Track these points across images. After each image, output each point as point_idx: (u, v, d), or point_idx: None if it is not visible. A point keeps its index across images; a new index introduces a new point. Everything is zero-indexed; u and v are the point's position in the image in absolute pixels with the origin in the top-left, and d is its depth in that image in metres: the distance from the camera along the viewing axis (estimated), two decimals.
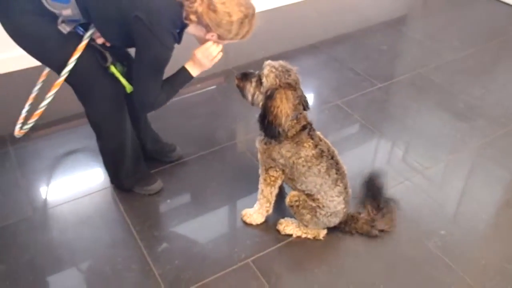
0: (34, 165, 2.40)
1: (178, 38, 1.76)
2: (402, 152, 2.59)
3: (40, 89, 2.23)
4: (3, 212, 2.15)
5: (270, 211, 2.11)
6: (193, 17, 1.69)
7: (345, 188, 1.98)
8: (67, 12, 1.67)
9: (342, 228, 2.08)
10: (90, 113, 2.00)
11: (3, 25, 1.76)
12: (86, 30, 1.78)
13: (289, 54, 3.34)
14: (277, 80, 1.81)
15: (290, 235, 2.08)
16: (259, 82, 1.86)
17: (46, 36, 1.74)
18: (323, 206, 1.96)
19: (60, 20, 1.69)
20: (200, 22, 1.71)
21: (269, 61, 1.87)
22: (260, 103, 1.88)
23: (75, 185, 2.32)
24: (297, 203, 2.00)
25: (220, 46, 1.84)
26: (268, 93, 1.82)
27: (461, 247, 2.07)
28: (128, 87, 1.91)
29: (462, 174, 2.46)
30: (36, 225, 2.11)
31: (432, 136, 2.69)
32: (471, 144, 2.63)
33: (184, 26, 1.76)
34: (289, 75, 1.82)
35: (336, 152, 1.97)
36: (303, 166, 1.91)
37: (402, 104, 2.97)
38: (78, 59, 1.77)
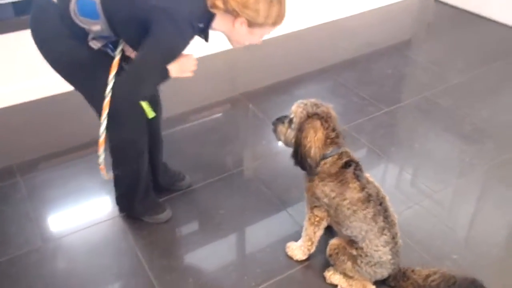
0: (44, 195, 2.42)
1: (197, 30, 1.71)
2: (411, 176, 2.58)
3: None
4: (14, 243, 2.15)
5: (312, 250, 2.03)
6: (219, 2, 1.64)
7: (393, 238, 1.82)
8: (96, 27, 1.69)
9: (389, 282, 1.93)
10: (112, 137, 1.98)
11: (40, 50, 1.81)
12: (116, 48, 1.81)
13: (296, 80, 3.37)
14: (305, 112, 1.81)
15: (303, 261, 2.06)
16: (291, 121, 1.86)
17: (80, 63, 1.77)
18: (366, 256, 1.82)
19: (90, 36, 1.72)
20: (226, 9, 1.65)
21: (299, 100, 1.87)
22: (292, 140, 1.85)
23: (84, 214, 2.32)
24: (336, 251, 1.89)
25: (194, 61, 1.83)
26: (298, 127, 1.81)
27: (475, 272, 2.03)
28: (150, 113, 1.92)
29: (472, 197, 2.45)
30: (46, 256, 2.10)
31: (440, 159, 2.68)
32: (480, 166, 2.62)
33: (210, 19, 1.71)
34: (318, 107, 1.81)
35: (387, 198, 1.86)
36: (348, 209, 1.80)
37: (409, 128, 2.97)
38: (101, 81, 1.78)
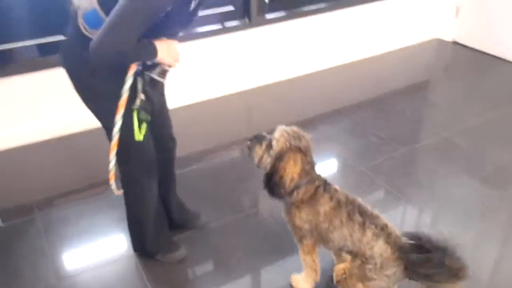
0: (59, 232, 2.42)
1: None
2: (430, 219, 2.53)
3: None
4: (27, 280, 2.15)
5: (318, 279, 2.02)
6: None
7: (382, 229, 1.78)
8: None
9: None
10: (121, 173, 2.00)
11: (71, 81, 1.82)
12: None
13: (312, 120, 3.38)
14: (287, 143, 1.81)
15: None
16: (269, 146, 1.86)
17: (99, 86, 1.77)
18: (367, 259, 1.77)
19: None
20: None
21: (282, 126, 1.88)
22: (268, 166, 1.87)
23: (99, 252, 2.32)
24: (344, 276, 1.85)
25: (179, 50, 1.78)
26: (278, 155, 1.82)
27: None
28: (137, 136, 1.84)
29: (495, 241, 2.37)
30: None
31: (460, 202, 2.62)
32: (502, 210, 2.55)
33: None
34: (300, 141, 1.83)
35: (359, 200, 1.86)
36: (325, 222, 1.84)
37: (427, 169, 2.93)
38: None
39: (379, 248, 1.76)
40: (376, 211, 1.86)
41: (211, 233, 2.41)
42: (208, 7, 3.29)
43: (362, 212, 1.81)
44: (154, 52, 1.69)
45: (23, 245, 2.34)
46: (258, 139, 1.92)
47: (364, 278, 1.79)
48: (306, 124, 3.34)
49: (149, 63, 1.77)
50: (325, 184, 1.90)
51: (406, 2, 4.38)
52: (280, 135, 1.84)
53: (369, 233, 1.77)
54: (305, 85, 3.89)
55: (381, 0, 4.21)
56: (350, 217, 1.81)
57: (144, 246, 2.22)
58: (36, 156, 3.02)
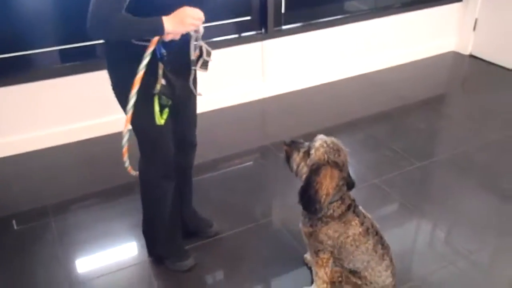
0: (73, 237, 2.44)
1: None
2: (445, 234, 2.49)
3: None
4: (41, 285, 2.16)
5: None
6: None
7: (391, 260, 1.92)
8: None
9: None
10: (140, 174, 2.03)
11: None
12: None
13: (326, 131, 3.31)
14: (326, 156, 1.78)
15: None
16: (307, 154, 1.83)
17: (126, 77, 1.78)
18: (371, 283, 1.89)
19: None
20: None
21: (322, 135, 1.86)
22: (304, 176, 1.84)
23: (112, 258, 2.33)
24: (339, 279, 1.93)
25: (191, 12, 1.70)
26: (314, 167, 1.79)
27: None
28: (158, 120, 1.82)
29: None
30: None
31: (476, 218, 2.58)
32: None
33: None
34: (339, 155, 1.80)
35: (378, 227, 1.93)
36: (351, 245, 1.86)
37: (443, 184, 2.90)
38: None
39: (386, 277, 1.90)
40: (387, 242, 1.93)
41: (223, 243, 2.40)
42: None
43: (382, 244, 1.91)
44: (159, 26, 1.63)
45: (37, 249, 2.36)
46: (295, 145, 1.89)
47: None
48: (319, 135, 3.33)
49: (167, 40, 1.72)
50: (354, 204, 1.90)
51: (423, 15, 4.36)
52: (320, 145, 1.80)
53: (384, 264, 1.89)
54: (319, 96, 3.89)
55: (397, 13, 4.21)
56: (375, 248, 1.88)
57: (154, 247, 2.23)
58: (52, 161, 3.06)
